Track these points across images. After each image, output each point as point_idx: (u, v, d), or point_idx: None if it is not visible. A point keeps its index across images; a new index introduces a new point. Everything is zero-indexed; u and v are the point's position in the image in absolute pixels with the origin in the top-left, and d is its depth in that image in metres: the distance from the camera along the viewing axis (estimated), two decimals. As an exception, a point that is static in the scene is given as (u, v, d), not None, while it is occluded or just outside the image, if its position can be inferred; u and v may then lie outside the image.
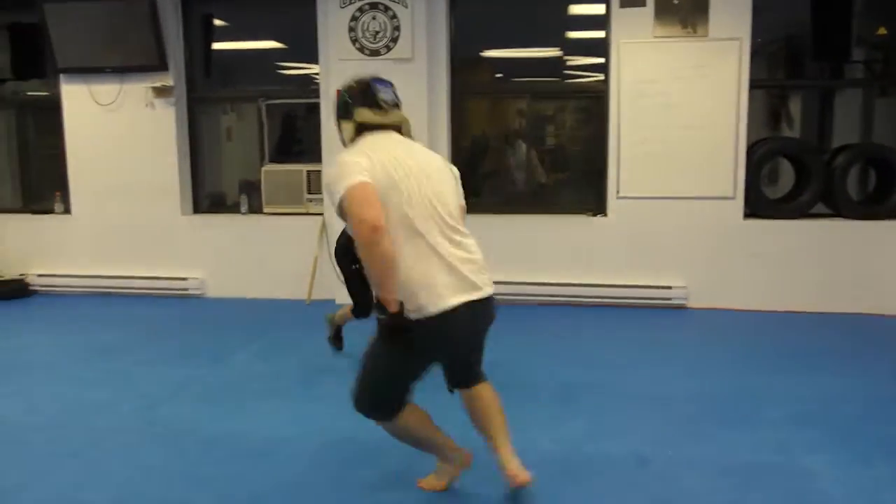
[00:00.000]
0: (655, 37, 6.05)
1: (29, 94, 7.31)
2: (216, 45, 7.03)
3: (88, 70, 6.59)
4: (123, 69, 6.55)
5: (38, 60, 6.94)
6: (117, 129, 6.73)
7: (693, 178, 6.14)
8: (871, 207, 6.17)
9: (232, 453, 3.49)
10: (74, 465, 3.36)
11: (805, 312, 6.05)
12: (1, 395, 4.31)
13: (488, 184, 7.04)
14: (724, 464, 3.34)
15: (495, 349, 5.08)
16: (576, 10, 6.64)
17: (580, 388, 4.33)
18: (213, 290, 6.84)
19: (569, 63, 6.74)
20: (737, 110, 6.03)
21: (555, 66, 6.73)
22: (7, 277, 6.92)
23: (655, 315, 6.07)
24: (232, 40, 7.28)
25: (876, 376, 4.54)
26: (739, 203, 6.15)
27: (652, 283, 6.25)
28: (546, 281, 6.34)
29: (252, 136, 7.09)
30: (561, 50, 6.73)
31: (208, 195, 7.14)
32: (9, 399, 4.23)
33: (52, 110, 6.93)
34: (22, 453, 3.50)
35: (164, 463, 3.40)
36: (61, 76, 6.70)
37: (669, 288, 6.23)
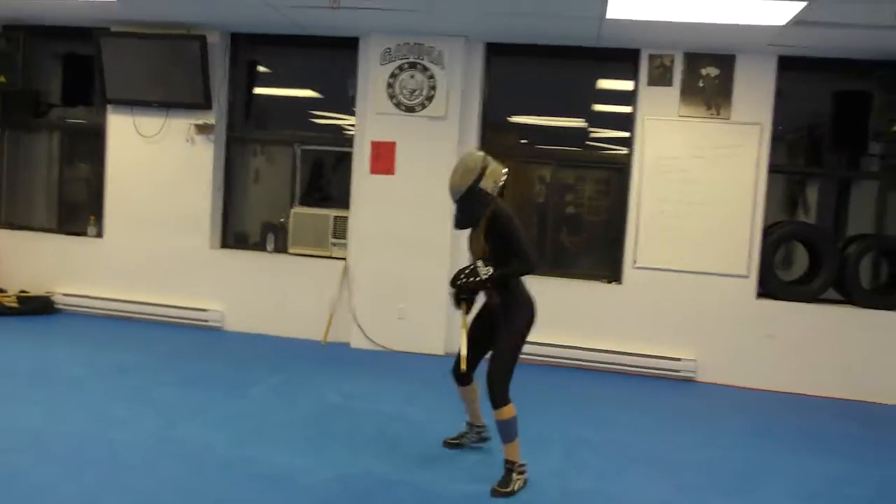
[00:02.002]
0: (680, 115, 6.30)
1: (73, 120, 7.59)
2: (257, 90, 7.35)
3: (135, 102, 6.88)
4: (169, 104, 6.84)
5: (87, 89, 7.27)
6: (157, 160, 6.99)
7: (708, 255, 6.30)
8: (882, 297, 6.29)
9: (248, 476, 3.59)
10: (96, 473, 3.47)
11: (814, 396, 6.11)
12: (29, 404, 4.43)
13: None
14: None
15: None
16: (604, 84, 6.92)
17: (589, 447, 4.42)
18: (232, 324, 6.97)
19: (593, 135, 6.99)
20: (754, 192, 6.23)
21: (579, 136, 6.97)
22: (33, 294, 7.10)
23: (664, 385, 6.15)
24: (272, 86, 7.59)
25: (885, 462, 4.60)
26: (753, 282, 6.29)
27: (662, 354, 6.34)
28: (559, 343, 6.45)
29: (278, 180, 7.33)
30: (586, 121, 6.98)
31: (234, 232, 7.35)
32: (34, 407, 4.35)
33: (95, 137, 7.22)
34: (45, 459, 3.61)
35: (181, 478, 3.51)
36: (109, 106, 7.00)
37: (679, 360, 6.32)
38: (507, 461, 3.70)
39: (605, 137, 6.94)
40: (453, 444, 4.23)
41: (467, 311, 3.84)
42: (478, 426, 4.24)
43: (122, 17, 6.59)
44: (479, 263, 3.69)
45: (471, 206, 3.65)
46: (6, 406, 4.35)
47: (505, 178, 3.70)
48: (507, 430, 3.68)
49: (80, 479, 3.40)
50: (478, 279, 3.67)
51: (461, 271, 3.75)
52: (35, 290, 7.17)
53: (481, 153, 3.77)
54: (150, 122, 6.94)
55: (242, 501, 3.33)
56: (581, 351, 6.42)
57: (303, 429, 4.38)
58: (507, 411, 3.65)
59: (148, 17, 6.53)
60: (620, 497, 3.70)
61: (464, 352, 3.80)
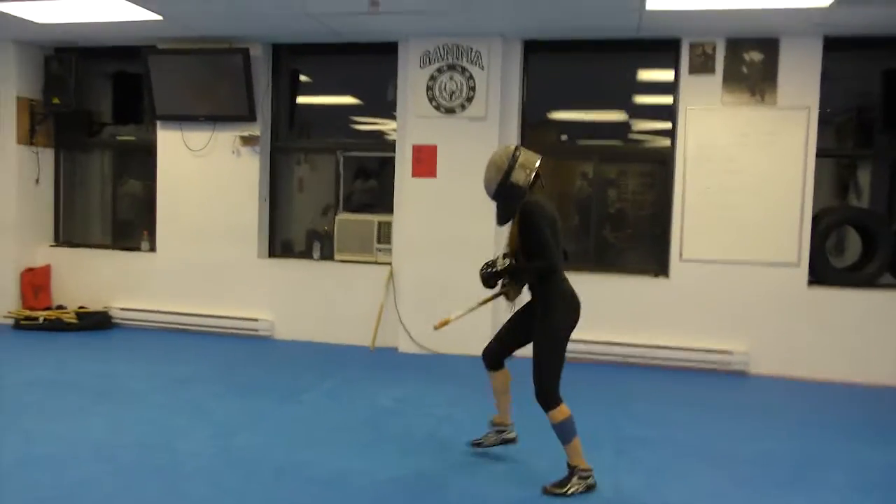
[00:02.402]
0: (724, 103, 6.21)
1: (124, 138, 7.83)
2: (299, 99, 7.47)
3: (183, 118, 7.07)
4: (215, 118, 7.01)
5: (137, 107, 7.49)
6: (205, 174, 7.17)
7: (757, 244, 6.20)
8: (941, 280, 6.11)
9: (303, 480, 3.67)
10: (158, 482, 3.58)
11: (871, 384, 5.96)
12: (91, 415, 4.60)
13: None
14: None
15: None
16: (644, 75, 6.85)
17: (641, 443, 4.39)
18: (282, 333, 7.11)
19: (634, 127, 6.92)
20: (803, 178, 6.11)
21: (620, 129, 6.91)
22: (92, 310, 7.34)
23: (715, 379, 6.07)
24: (314, 95, 7.71)
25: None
26: (804, 270, 6.16)
27: (713, 347, 6.26)
28: (606, 340, 6.42)
29: (322, 188, 7.45)
30: (627, 114, 6.92)
31: (280, 241, 7.49)
32: (99, 420, 4.51)
33: (145, 154, 7.44)
34: (111, 469, 3.74)
35: (239, 486, 3.59)
36: (158, 122, 7.20)
37: (730, 353, 6.23)
38: (568, 464, 3.63)
39: (647, 130, 6.88)
40: (477, 445, 4.12)
41: (493, 297, 3.91)
42: (499, 424, 4.11)
43: (167, 34, 6.78)
44: (500, 255, 3.74)
45: (506, 200, 3.66)
46: (72, 420, 4.52)
47: (538, 167, 3.64)
48: (562, 432, 3.62)
49: (144, 489, 3.51)
50: (494, 270, 3.70)
51: (486, 263, 3.80)
52: (93, 305, 7.41)
53: (512, 146, 3.74)
54: (198, 137, 7.12)
55: (302, 501, 3.41)
56: (629, 347, 6.39)
57: (355, 433, 4.45)
58: (558, 413, 3.60)
59: (192, 32, 6.70)
60: (675, 492, 3.67)
61: (452, 317, 3.83)
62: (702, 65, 6.29)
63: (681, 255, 6.36)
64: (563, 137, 7.17)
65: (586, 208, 6.93)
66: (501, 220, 3.76)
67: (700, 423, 4.87)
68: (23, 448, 3.98)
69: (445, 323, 3.85)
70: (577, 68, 6.92)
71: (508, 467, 3.96)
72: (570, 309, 3.69)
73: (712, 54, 6.24)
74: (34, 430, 4.28)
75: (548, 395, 3.61)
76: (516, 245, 3.69)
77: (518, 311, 3.92)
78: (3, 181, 7.44)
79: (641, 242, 6.96)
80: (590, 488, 3.60)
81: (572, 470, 3.60)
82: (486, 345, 4.04)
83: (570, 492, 3.56)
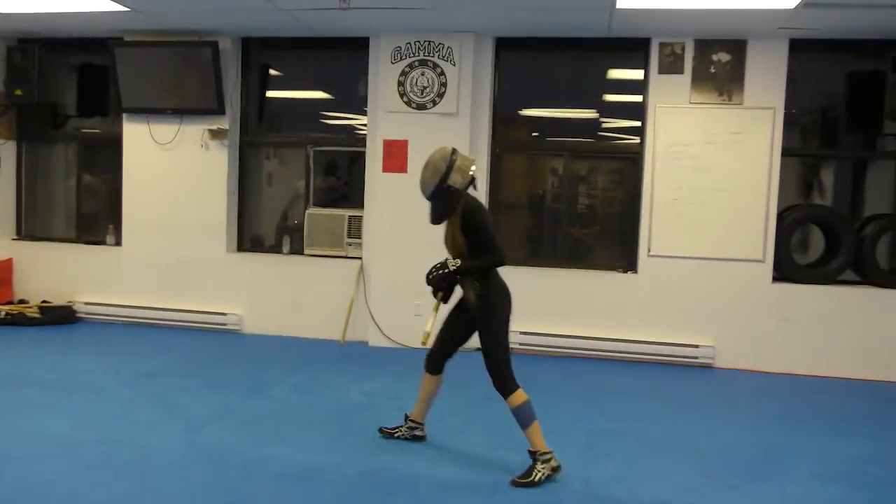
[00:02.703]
0: (692, 103, 6.29)
1: (89, 130, 7.69)
2: (269, 94, 7.40)
3: (150, 110, 6.96)
4: (183, 111, 6.91)
5: (102, 100, 7.37)
6: (172, 167, 7.07)
7: (723, 240, 6.30)
8: (900, 277, 6.26)
9: (273, 475, 3.64)
10: (125, 478, 3.53)
11: (835, 378, 6.09)
12: (56, 412, 4.51)
13: (522, 237, 7.23)
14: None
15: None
16: (615, 74, 6.91)
17: (610, 436, 4.44)
18: (251, 327, 7.05)
19: (604, 125, 6.98)
20: (768, 176, 6.22)
21: (590, 127, 6.97)
22: (55, 304, 7.20)
23: (682, 372, 6.16)
24: (284, 89, 7.64)
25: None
26: (769, 266, 6.27)
27: (680, 342, 6.35)
28: (576, 334, 6.47)
29: (291, 182, 7.40)
30: (598, 112, 6.98)
31: (249, 236, 7.42)
32: (63, 415, 4.44)
33: (111, 147, 7.32)
34: (77, 465, 3.68)
35: (209, 480, 3.56)
36: (124, 115, 7.09)
37: (697, 347, 6.32)
38: (529, 451, 3.70)
39: (617, 127, 6.94)
40: (388, 434, 4.22)
41: (444, 300, 3.93)
42: (413, 421, 4.20)
43: (135, 26, 6.67)
44: (449, 257, 3.80)
45: (442, 202, 3.74)
46: (35, 415, 4.44)
47: (473, 171, 3.74)
48: (522, 416, 3.71)
49: (112, 484, 3.47)
50: (446, 271, 3.76)
51: (434, 266, 3.82)
52: (56, 299, 7.28)
53: (450, 148, 3.79)
54: (165, 130, 7.02)
55: (269, 499, 3.38)
56: (598, 341, 6.44)
57: (325, 427, 4.43)
58: (517, 397, 3.71)
59: (160, 25, 6.60)
60: (645, 484, 3.72)
61: (427, 328, 3.81)
62: (671, 64, 6.36)
63: (649, 250, 6.44)
64: (535, 134, 7.22)
65: (556, 204, 6.97)
66: (436, 220, 3.86)
67: (668, 416, 4.94)
68: (-15, 444, 3.90)
69: (428, 335, 3.86)
70: (548, 66, 6.96)
71: (480, 458, 3.98)
72: (507, 300, 3.85)
73: (681, 54, 6.32)
74: (-4, 425, 4.20)
75: (504, 383, 3.72)
76: (461, 244, 3.77)
77: (452, 311, 4.00)
78: (-37, 174, 7.27)
79: (610, 238, 7.03)
80: (554, 470, 3.68)
81: (534, 455, 3.66)
82: (428, 349, 4.07)
83: (537, 478, 3.61)
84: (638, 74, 6.56)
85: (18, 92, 7.15)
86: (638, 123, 6.58)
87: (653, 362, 6.35)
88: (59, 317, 7.09)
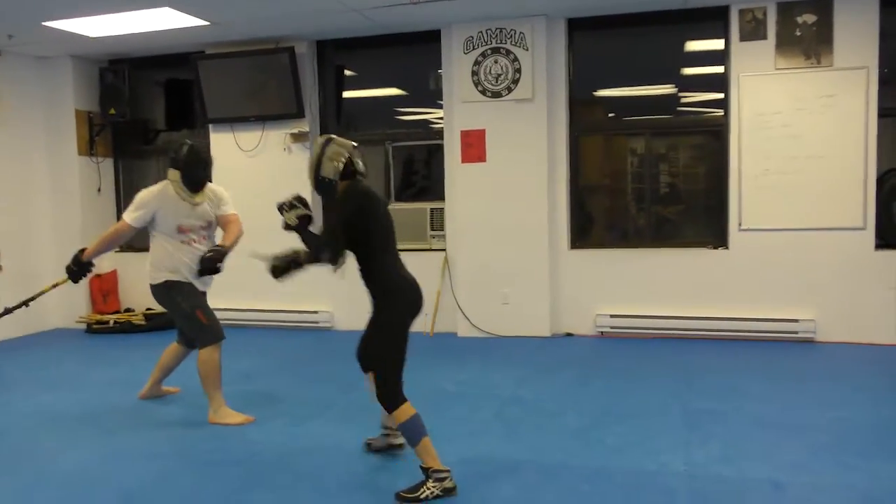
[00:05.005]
0: (778, 69, 6.06)
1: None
2: (346, 93, 7.53)
3: (234, 119, 7.20)
4: (265, 117, 7.12)
5: (189, 112, 7.66)
6: (257, 172, 7.29)
7: (820, 209, 6.05)
8: None
9: (374, 466, 3.74)
10: (238, 472, 3.67)
11: (948, 347, 5.78)
12: (164, 412, 4.74)
13: (606, 219, 7.14)
14: (866, 492, 3.29)
15: (619, 378, 5.18)
16: (693, 46, 6.72)
17: (710, 416, 4.34)
18: (342, 323, 7.20)
19: (684, 99, 6.80)
20: (865, 140, 5.93)
21: (669, 103, 6.80)
22: (159, 311, 7.54)
23: (782, 348, 5.95)
24: (359, 88, 7.76)
25: None
26: (870, 234, 5.99)
27: (779, 317, 6.14)
28: (667, 314, 6.35)
29: (371, 179, 7.45)
30: (676, 86, 6.80)
31: (337, 233, 7.56)
32: (174, 412, 4.65)
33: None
34: (188, 462, 3.86)
35: (314, 471, 3.67)
36: (210, 126, 7.35)
37: (796, 321, 6.10)
38: (422, 467, 3.32)
39: (698, 101, 6.76)
40: (367, 446, 3.94)
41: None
42: (385, 427, 3.89)
43: (214, 39, 6.91)
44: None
45: (323, 194, 3.61)
46: (144, 413, 4.67)
47: (345, 159, 3.50)
48: (409, 432, 3.35)
49: (223, 479, 3.61)
50: (277, 263, 3.65)
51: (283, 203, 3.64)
52: (157, 307, 7.59)
53: (322, 138, 3.60)
54: (249, 137, 7.25)
55: (372, 488, 3.47)
56: (691, 320, 6.31)
57: (422, 417, 4.48)
58: (402, 413, 3.35)
59: (238, 35, 6.81)
60: (752, 463, 3.61)
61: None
62: (753, 31, 6.14)
63: (740, 224, 6.24)
64: (611, 115, 7.10)
65: (639, 184, 6.84)
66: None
67: (771, 393, 4.79)
68: (107, 445, 4.14)
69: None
70: (622, 44, 6.83)
71: (582, 442, 3.95)
72: (402, 300, 3.49)
73: (763, 19, 6.10)
74: (115, 427, 4.45)
75: (388, 394, 3.39)
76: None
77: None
78: (67, 192, 7.71)
79: (697, 215, 6.85)
80: (447, 491, 3.28)
81: (427, 472, 3.30)
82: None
83: (422, 496, 3.24)
84: (718, 44, 6.36)
85: (112, 111, 7.52)
86: (720, 95, 6.38)
87: (750, 339, 6.17)
88: (163, 323, 7.41)
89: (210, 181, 4.64)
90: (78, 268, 4.58)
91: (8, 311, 4.73)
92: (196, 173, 4.52)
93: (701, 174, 6.87)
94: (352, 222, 3.41)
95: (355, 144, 3.62)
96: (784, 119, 6.06)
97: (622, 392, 4.85)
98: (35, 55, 7.50)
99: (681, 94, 6.79)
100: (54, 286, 4.87)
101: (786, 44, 6.04)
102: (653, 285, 6.45)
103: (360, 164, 3.56)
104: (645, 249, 6.58)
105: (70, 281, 4.65)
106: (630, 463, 3.64)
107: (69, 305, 7.74)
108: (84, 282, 7.65)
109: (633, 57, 6.84)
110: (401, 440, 3.73)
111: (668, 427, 4.15)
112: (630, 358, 5.78)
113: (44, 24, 6.19)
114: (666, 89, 6.86)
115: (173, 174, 4.51)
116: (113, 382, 5.54)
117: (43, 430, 4.48)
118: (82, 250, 4.58)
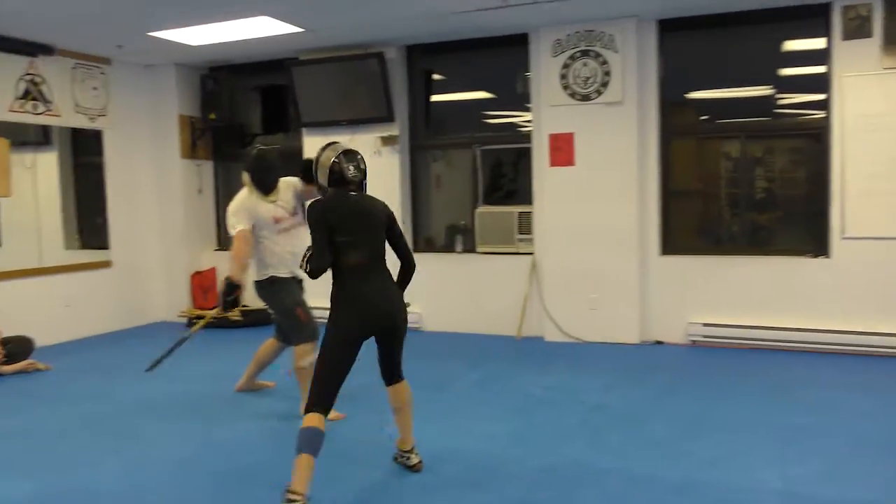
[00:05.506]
0: (885, 68, 5.77)
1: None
2: (434, 97, 7.62)
3: (326, 123, 7.39)
4: (355, 121, 7.28)
5: (283, 117, 7.92)
6: (348, 175, 7.44)
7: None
8: None
9: (460, 468, 3.76)
10: (324, 466, 3.78)
11: None
12: (267, 405, 4.91)
13: (699, 225, 6.96)
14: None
15: (711, 389, 5.04)
16: (791, 45, 6.47)
17: (807, 431, 4.17)
18: (430, 325, 7.29)
19: (780, 102, 6.56)
20: (983, 142, 5.57)
21: (765, 105, 6.55)
22: (254, 308, 7.82)
23: (884, 364, 5.65)
24: (447, 92, 7.84)
25: None
26: None
27: (881, 331, 5.83)
28: (763, 324, 6.14)
29: (458, 183, 7.56)
30: (774, 88, 6.56)
31: (423, 237, 7.67)
32: (273, 406, 4.83)
33: (293, 162, 7.81)
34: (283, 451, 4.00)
35: (394, 469, 3.75)
36: (303, 130, 7.57)
37: (902, 335, 5.79)
38: (286, 485, 3.16)
39: (797, 103, 6.50)
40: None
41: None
42: (398, 446, 3.78)
43: (308, 45, 7.11)
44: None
45: None
46: (250, 404, 4.86)
47: (331, 164, 3.43)
48: (299, 440, 3.21)
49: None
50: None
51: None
52: (254, 304, 7.89)
53: (325, 144, 3.57)
54: (340, 140, 7.38)
55: (457, 489, 3.50)
56: (787, 331, 6.07)
57: (507, 421, 4.50)
58: (306, 419, 3.24)
59: (331, 41, 7.00)
60: (856, 484, 3.44)
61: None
62: (857, 28, 5.87)
63: (843, 233, 5.97)
64: (703, 117, 6.92)
65: (733, 189, 6.65)
66: None
67: (877, 410, 4.55)
68: (204, 433, 4.33)
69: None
70: (716, 44, 6.63)
71: (665, 453, 3.88)
72: (353, 314, 3.38)
73: (868, 16, 5.81)
74: (211, 416, 4.64)
75: (312, 396, 3.31)
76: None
77: None
78: (170, 193, 8.11)
79: (795, 222, 6.59)
80: None
81: (285, 489, 3.15)
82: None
83: None
84: (819, 43, 6.10)
85: (212, 116, 7.85)
86: (821, 96, 6.12)
87: (851, 353, 5.89)
88: (258, 319, 7.69)
89: (276, 184, 4.72)
90: (231, 292, 4.51)
91: (177, 346, 4.68)
92: (261, 177, 4.66)
93: (800, 179, 6.61)
94: (315, 237, 3.37)
95: (351, 150, 3.54)
96: (891, 121, 5.76)
97: (714, 403, 4.72)
98: (142, 63, 7.92)
99: (778, 96, 6.54)
100: (213, 318, 5.09)
101: (894, 41, 5.74)
102: (748, 294, 6.25)
103: (349, 172, 3.46)
104: (739, 256, 6.38)
105: (223, 309, 4.66)
106: (721, 477, 3.55)
107: (172, 300, 8.14)
108: (186, 279, 8.12)
109: (727, 58, 6.63)
110: (414, 461, 3.69)
111: (762, 442, 4.01)
112: (722, 368, 5.63)
113: (150, 34, 6.53)
114: (762, 91, 6.62)
115: (246, 177, 4.67)
116: (211, 375, 5.80)
117: (145, 417, 4.75)
118: (228, 278, 4.51)
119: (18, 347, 6.06)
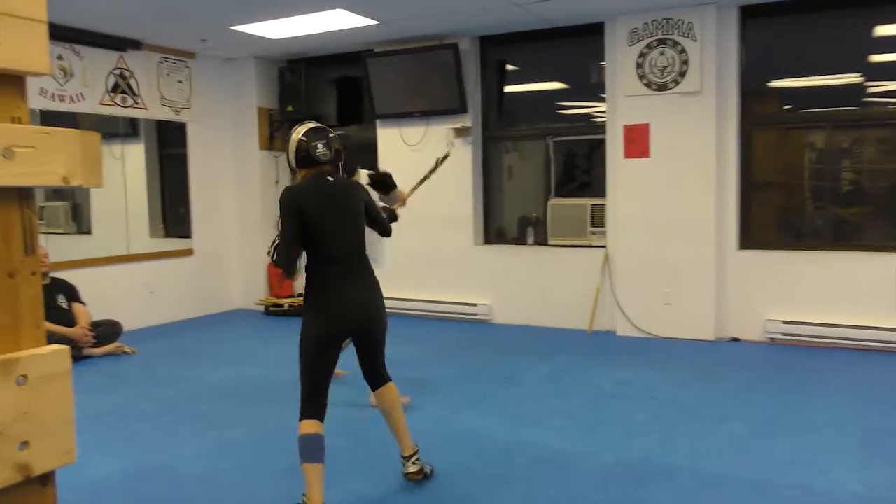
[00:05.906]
0: None
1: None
2: (507, 88, 7.60)
3: (400, 115, 7.46)
4: (429, 113, 7.32)
5: (358, 108, 8.03)
6: (421, 165, 7.47)
7: None
8: None
9: (529, 460, 3.76)
10: (388, 457, 3.84)
11: None
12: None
13: (780, 218, 6.74)
14: None
15: (789, 388, 4.90)
16: (883, 30, 6.17)
17: (892, 435, 4.01)
18: (500, 317, 7.30)
19: (871, 90, 6.27)
20: None
21: (853, 93, 6.28)
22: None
23: (983, 366, 5.38)
24: (520, 83, 7.80)
25: None
26: None
27: (979, 330, 5.55)
28: (848, 323, 5.90)
29: (530, 174, 7.52)
30: (863, 75, 6.28)
31: (494, 228, 7.67)
32: (346, 396, 4.92)
33: (368, 152, 7.95)
34: (357, 440, 4.09)
35: (469, 461, 3.77)
36: (377, 121, 7.67)
37: None
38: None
39: (888, 91, 6.20)
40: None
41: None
42: (400, 456, 3.51)
43: (383, 37, 7.19)
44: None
45: None
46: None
47: (297, 144, 3.17)
48: (300, 449, 3.09)
49: (382, 461, 3.78)
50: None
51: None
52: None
53: (299, 125, 3.28)
54: (414, 132, 7.49)
55: (526, 483, 3.50)
56: (874, 331, 5.82)
57: (577, 415, 4.48)
58: (301, 427, 3.11)
59: (405, 33, 7.05)
60: (938, 491, 3.32)
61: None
62: (955, 12, 5.56)
63: (935, 228, 5.69)
64: (786, 107, 6.67)
65: (817, 181, 6.40)
66: None
67: (966, 415, 4.35)
68: (277, 418, 4.47)
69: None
70: (801, 31, 6.39)
71: (739, 452, 3.79)
72: (325, 315, 3.14)
73: (969, -1, 5.50)
74: (285, 402, 4.77)
75: (301, 404, 3.15)
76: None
77: None
78: (248, 183, 8.35)
79: (884, 216, 6.30)
80: None
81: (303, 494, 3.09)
82: None
83: None
84: (914, 28, 5.81)
85: (290, 108, 8.04)
86: (916, 84, 5.83)
87: (943, 353, 5.62)
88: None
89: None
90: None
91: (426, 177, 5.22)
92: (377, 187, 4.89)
93: (889, 171, 6.31)
94: (285, 225, 3.12)
95: (321, 126, 3.27)
96: None
97: (792, 402, 4.58)
98: (223, 57, 8.16)
99: (867, 84, 6.26)
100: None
101: None
102: (831, 291, 6.02)
103: (316, 150, 3.16)
104: (823, 252, 6.14)
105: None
106: (799, 479, 3.45)
107: (250, 289, 8.40)
108: (263, 268, 8.35)
109: (812, 45, 6.39)
110: (412, 469, 3.46)
111: (843, 444, 3.88)
112: (802, 367, 5.45)
113: (232, 28, 6.72)
114: (850, 78, 6.34)
115: (364, 177, 4.94)
116: (286, 362, 5.93)
117: (224, 401, 4.93)
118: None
119: (107, 331, 6.37)
